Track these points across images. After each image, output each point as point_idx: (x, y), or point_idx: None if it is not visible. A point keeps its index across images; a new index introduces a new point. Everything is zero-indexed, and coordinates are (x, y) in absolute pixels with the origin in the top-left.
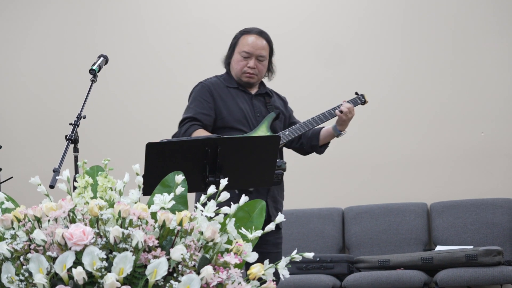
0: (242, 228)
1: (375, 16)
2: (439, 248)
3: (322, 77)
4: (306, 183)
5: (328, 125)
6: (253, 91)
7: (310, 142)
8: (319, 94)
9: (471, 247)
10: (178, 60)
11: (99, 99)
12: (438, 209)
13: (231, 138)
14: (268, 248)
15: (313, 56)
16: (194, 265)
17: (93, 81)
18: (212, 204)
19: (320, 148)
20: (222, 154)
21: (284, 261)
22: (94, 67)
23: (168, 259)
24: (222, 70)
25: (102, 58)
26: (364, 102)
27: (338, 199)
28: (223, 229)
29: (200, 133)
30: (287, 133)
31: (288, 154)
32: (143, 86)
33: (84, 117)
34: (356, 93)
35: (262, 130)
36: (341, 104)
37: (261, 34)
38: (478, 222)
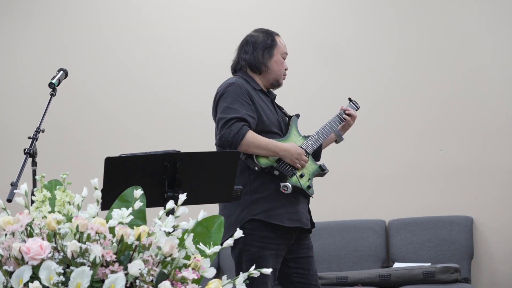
0: (200, 244)
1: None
2: (397, 265)
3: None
4: None
5: None
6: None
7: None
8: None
9: (429, 264)
10: (136, 75)
11: (58, 112)
12: (396, 226)
13: (191, 154)
14: (308, 252)
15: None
16: (152, 280)
17: (52, 95)
18: (170, 219)
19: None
20: (181, 169)
21: (242, 276)
22: (53, 81)
23: (126, 274)
24: (178, 84)
25: (61, 72)
26: (358, 108)
27: None
28: (181, 244)
29: (255, 135)
30: (316, 136)
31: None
32: (101, 100)
33: (43, 131)
34: (350, 99)
35: (295, 134)
36: (344, 110)
37: None
38: (435, 240)
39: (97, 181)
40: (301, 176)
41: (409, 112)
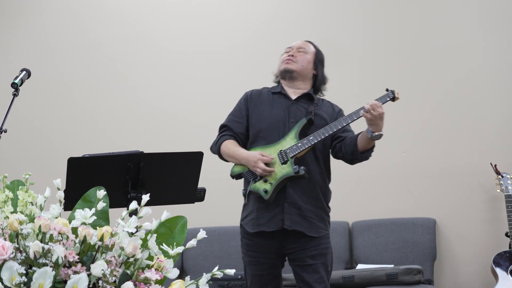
0: (164, 244)
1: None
2: (360, 266)
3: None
4: (228, 200)
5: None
6: (295, 95)
7: (350, 149)
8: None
9: (392, 265)
10: (100, 75)
11: (21, 113)
12: (360, 228)
13: (154, 154)
14: (307, 260)
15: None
16: (115, 281)
17: (14, 95)
18: (133, 220)
19: (362, 154)
20: (144, 169)
21: (205, 277)
22: (16, 81)
23: (89, 275)
24: (142, 85)
25: (24, 72)
26: (393, 98)
27: None
28: (144, 245)
29: (228, 145)
30: (311, 138)
31: (213, 174)
32: (64, 101)
33: (5, 131)
34: (387, 90)
35: (290, 137)
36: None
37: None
38: (398, 241)
39: (60, 181)
40: (265, 181)
41: None
